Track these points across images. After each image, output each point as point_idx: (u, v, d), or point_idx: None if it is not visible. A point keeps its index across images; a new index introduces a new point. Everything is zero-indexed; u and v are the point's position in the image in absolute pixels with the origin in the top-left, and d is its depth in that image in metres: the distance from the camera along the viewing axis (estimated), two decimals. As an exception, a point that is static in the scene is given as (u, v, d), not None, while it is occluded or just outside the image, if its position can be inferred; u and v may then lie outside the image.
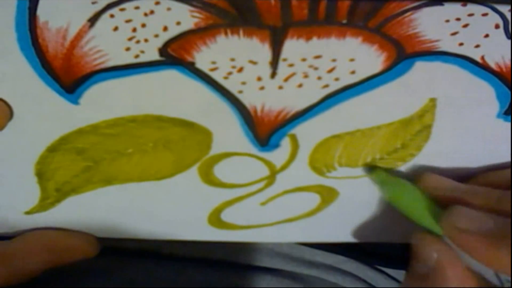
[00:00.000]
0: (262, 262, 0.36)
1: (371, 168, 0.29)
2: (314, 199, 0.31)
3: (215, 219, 0.31)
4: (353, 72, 0.25)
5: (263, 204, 0.31)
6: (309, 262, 0.36)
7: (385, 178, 0.29)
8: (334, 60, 0.25)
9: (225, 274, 0.36)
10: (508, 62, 0.25)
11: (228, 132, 0.27)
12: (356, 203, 0.31)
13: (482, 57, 0.25)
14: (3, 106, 0.26)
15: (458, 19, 0.23)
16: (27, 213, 0.29)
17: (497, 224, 0.23)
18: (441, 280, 0.24)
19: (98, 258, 0.30)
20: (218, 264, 0.35)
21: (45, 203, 0.29)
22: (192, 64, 0.24)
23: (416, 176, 0.28)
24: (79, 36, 0.23)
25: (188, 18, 0.23)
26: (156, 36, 0.23)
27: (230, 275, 0.36)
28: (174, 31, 0.23)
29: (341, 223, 0.32)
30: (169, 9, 0.22)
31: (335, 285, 0.36)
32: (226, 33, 0.23)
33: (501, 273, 0.23)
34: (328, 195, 0.30)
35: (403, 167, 0.29)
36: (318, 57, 0.24)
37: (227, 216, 0.31)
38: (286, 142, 0.28)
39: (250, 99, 0.26)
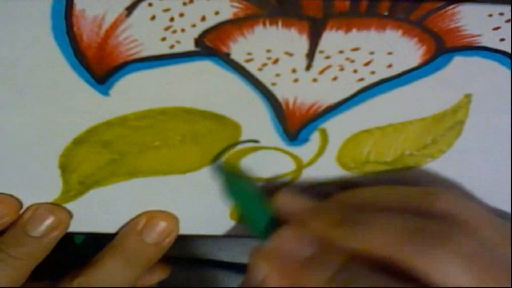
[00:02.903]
0: None
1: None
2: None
3: (238, 213, 0.31)
4: (390, 66, 0.25)
5: (286, 199, 0.30)
6: None
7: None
8: (371, 53, 0.24)
9: (231, 276, 0.36)
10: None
11: (258, 126, 0.26)
12: None
13: (523, 53, 0.25)
14: (14, 201, 0.27)
15: (501, 14, 0.23)
16: (49, 205, 0.29)
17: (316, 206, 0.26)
18: None
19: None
20: (223, 266, 0.35)
21: (67, 196, 0.28)
22: (228, 55, 0.24)
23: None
24: (115, 25, 0.22)
25: (227, 8, 0.22)
26: (193, 26, 0.23)
27: (238, 277, 0.36)
28: (212, 21, 0.23)
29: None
30: None
31: None
32: (264, 24, 0.23)
33: None
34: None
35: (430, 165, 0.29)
36: (355, 49, 0.24)
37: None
38: (315, 137, 0.27)
39: (283, 91, 0.25)
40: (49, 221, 0.28)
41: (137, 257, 0.29)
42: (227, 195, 0.28)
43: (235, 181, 0.28)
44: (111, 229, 0.30)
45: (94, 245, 0.33)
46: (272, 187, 0.29)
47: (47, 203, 0.28)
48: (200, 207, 0.30)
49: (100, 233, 0.31)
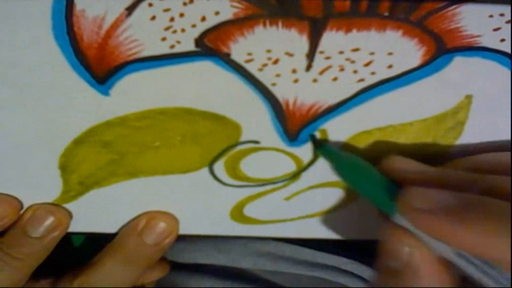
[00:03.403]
0: (266, 266, 0.36)
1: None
2: (339, 195, 0.30)
3: (238, 213, 0.31)
4: (390, 66, 0.25)
5: (287, 199, 0.30)
6: (311, 264, 0.36)
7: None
8: (372, 54, 0.24)
9: (229, 280, 0.36)
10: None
11: (258, 126, 0.26)
12: None
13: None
14: (14, 201, 0.27)
15: (501, 15, 0.23)
16: (48, 206, 0.29)
17: (457, 199, 0.21)
18: (415, 276, 0.22)
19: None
20: (222, 271, 0.35)
21: (67, 196, 0.28)
22: (228, 55, 0.24)
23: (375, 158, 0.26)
24: (115, 25, 0.22)
25: (227, 8, 0.22)
26: (194, 26, 0.23)
27: (234, 281, 0.36)
28: (212, 21, 0.23)
29: (364, 220, 0.32)
30: None
31: (339, 285, 0.36)
32: (264, 24, 0.23)
33: (463, 251, 0.21)
34: (353, 191, 0.30)
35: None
36: (356, 50, 0.24)
37: (250, 211, 0.30)
38: (315, 137, 0.27)
39: (283, 92, 0.25)
40: (48, 221, 0.28)
41: (137, 257, 0.29)
42: (340, 175, 0.26)
43: (344, 160, 0.26)
44: (111, 229, 0.30)
45: (93, 245, 0.33)
46: None
47: (47, 203, 0.28)
48: (200, 207, 0.30)
49: (100, 233, 0.31)
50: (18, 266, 0.28)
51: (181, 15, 0.22)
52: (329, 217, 0.31)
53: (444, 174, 0.24)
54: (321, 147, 0.27)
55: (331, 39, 0.24)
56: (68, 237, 0.30)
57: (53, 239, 0.28)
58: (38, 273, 0.30)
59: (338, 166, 0.26)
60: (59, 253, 0.30)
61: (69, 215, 0.29)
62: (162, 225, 0.29)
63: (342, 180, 0.27)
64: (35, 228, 0.28)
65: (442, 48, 0.24)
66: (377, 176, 0.25)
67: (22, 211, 0.28)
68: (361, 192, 0.25)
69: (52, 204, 0.28)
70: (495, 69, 0.25)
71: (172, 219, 0.29)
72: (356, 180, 0.26)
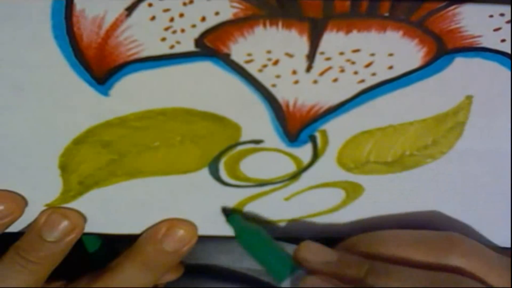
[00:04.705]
0: None
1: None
2: (339, 194, 0.30)
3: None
4: (390, 67, 0.25)
5: (287, 199, 0.30)
6: None
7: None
8: (372, 55, 0.24)
9: (230, 280, 0.36)
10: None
11: (258, 127, 0.26)
12: (381, 200, 0.30)
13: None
14: (19, 198, 0.28)
15: (502, 15, 0.23)
16: (48, 205, 0.29)
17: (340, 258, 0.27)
18: None
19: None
20: (223, 271, 0.35)
21: (67, 196, 0.28)
22: (228, 56, 0.24)
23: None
24: (115, 25, 0.22)
25: (227, 9, 0.22)
26: (193, 26, 0.23)
27: (236, 281, 0.36)
28: (212, 21, 0.22)
29: (364, 220, 0.32)
30: None
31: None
32: (264, 25, 0.23)
33: None
34: (353, 191, 0.30)
35: (422, 168, 0.29)
36: (356, 51, 0.24)
37: (250, 211, 0.30)
38: (315, 138, 0.27)
39: (283, 93, 0.25)
40: (63, 225, 0.28)
41: (156, 263, 0.30)
42: (243, 245, 0.29)
43: (250, 232, 0.29)
44: (110, 229, 0.30)
45: (104, 248, 0.33)
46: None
47: (61, 207, 0.29)
48: (200, 207, 0.30)
49: (100, 233, 0.31)
50: (35, 270, 0.29)
51: (181, 15, 0.22)
52: (329, 217, 0.31)
53: (344, 262, 0.27)
54: (230, 217, 0.30)
55: (331, 40, 0.23)
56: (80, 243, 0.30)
57: (68, 242, 0.29)
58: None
59: (241, 237, 0.29)
60: (68, 255, 0.30)
61: (83, 217, 0.29)
62: (181, 232, 0.30)
63: (245, 250, 0.29)
64: (51, 233, 0.28)
65: (442, 49, 0.24)
66: (278, 254, 0.28)
67: (26, 208, 0.29)
68: (260, 263, 0.28)
69: (66, 208, 0.29)
70: (495, 70, 0.25)
71: (191, 226, 0.30)
72: (256, 251, 0.28)
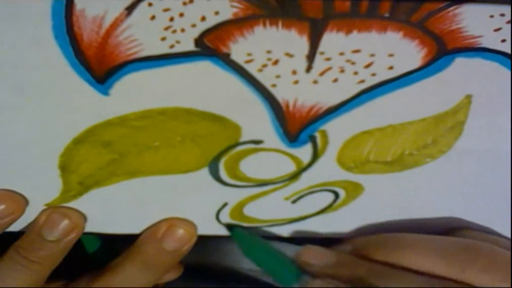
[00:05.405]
0: None
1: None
2: (339, 194, 0.30)
3: (238, 213, 0.31)
4: (391, 68, 0.25)
5: (287, 199, 0.30)
6: None
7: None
8: (372, 55, 0.24)
9: (230, 280, 0.36)
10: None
11: (258, 127, 0.26)
12: (381, 199, 0.30)
13: (524, 55, 0.25)
14: (19, 198, 0.28)
15: (502, 15, 0.23)
16: (48, 205, 0.29)
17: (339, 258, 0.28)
18: None
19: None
20: (223, 271, 0.35)
21: (66, 196, 0.28)
22: (227, 55, 0.24)
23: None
24: (115, 24, 0.22)
25: (227, 8, 0.22)
26: (193, 26, 0.23)
27: (236, 281, 0.36)
28: (212, 21, 0.22)
29: (364, 219, 0.32)
30: None
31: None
32: (264, 24, 0.23)
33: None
34: (353, 191, 0.30)
35: (427, 166, 0.29)
36: (356, 51, 0.24)
37: (250, 210, 0.30)
38: (315, 138, 0.27)
39: (283, 93, 0.25)
40: (63, 224, 0.28)
41: (156, 263, 0.30)
42: (249, 257, 0.29)
43: (254, 244, 0.30)
44: (111, 229, 0.30)
45: (103, 248, 0.33)
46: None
47: (62, 206, 0.29)
48: (200, 207, 0.30)
49: (100, 233, 0.31)
50: (35, 269, 0.29)
51: (181, 15, 0.22)
52: (329, 217, 0.31)
53: (341, 264, 0.28)
54: (233, 231, 0.30)
55: (331, 40, 0.23)
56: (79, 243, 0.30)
57: (69, 242, 0.29)
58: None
59: (247, 249, 0.30)
60: (68, 255, 0.30)
61: (84, 217, 0.29)
62: (181, 232, 0.30)
63: (253, 262, 0.30)
64: (51, 232, 0.28)
65: (443, 49, 0.24)
66: (283, 262, 0.29)
67: (26, 208, 0.29)
68: (269, 274, 0.29)
69: (67, 207, 0.29)
70: (495, 70, 0.25)
71: (191, 226, 0.30)
72: (263, 263, 0.29)
